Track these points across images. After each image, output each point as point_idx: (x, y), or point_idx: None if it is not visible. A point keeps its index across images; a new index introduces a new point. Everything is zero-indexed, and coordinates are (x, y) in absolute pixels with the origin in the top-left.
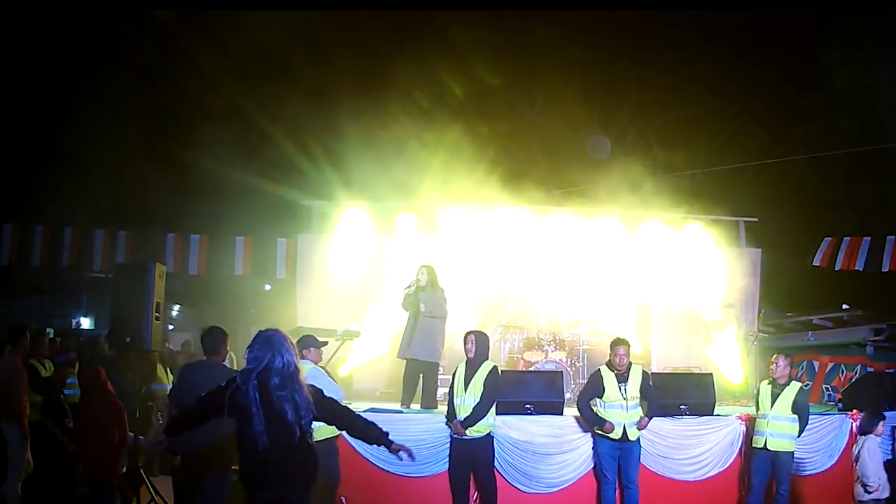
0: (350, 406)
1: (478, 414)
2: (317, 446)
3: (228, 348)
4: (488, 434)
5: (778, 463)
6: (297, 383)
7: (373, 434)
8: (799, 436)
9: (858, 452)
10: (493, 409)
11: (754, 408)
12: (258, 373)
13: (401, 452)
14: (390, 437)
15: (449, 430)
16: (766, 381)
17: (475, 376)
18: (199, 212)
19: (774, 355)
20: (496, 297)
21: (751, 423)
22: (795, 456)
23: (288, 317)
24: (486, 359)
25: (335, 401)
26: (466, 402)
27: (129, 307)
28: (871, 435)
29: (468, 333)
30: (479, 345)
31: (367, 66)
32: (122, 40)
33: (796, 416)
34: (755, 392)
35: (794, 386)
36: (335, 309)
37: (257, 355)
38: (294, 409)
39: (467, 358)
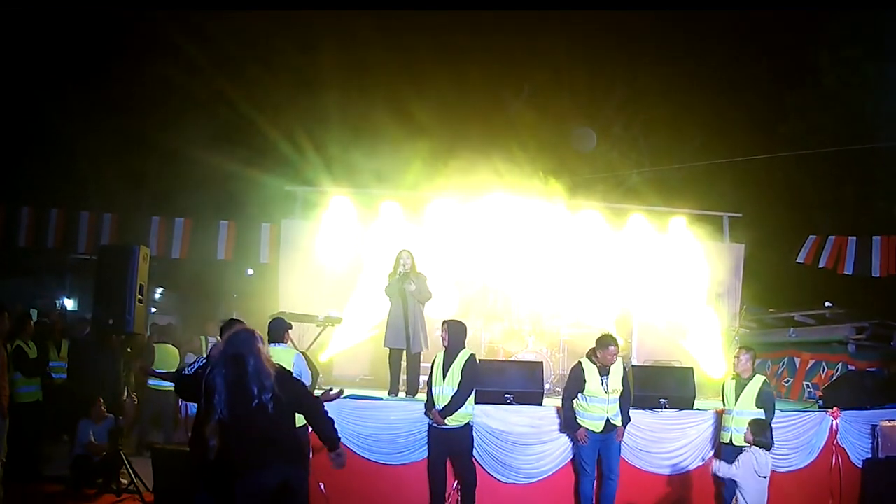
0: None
1: (456, 403)
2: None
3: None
4: (467, 423)
5: None
6: (264, 366)
7: (327, 431)
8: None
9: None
10: (472, 398)
11: (721, 403)
12: (228, 357)
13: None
14: (338, 443)
15: (428, 419)
16: (731, 377)
17: (453, 365)
18: (183, 195)
19: (737, 350)
20: (477, 287)
21: (718, 419)
22: (776, 453)
23: (270, 302)
24: (463, 347)
25: (303, 385)
26: (445, 392)
27: (112, 289)
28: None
29: (443, 322)
30: (452, 333)
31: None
32: (108, 26)
33: (762, 410)
34: (721, 388)
35: (758, 379)
36: (317, 294)
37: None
38: (260, 389)
39: (443, 347)
